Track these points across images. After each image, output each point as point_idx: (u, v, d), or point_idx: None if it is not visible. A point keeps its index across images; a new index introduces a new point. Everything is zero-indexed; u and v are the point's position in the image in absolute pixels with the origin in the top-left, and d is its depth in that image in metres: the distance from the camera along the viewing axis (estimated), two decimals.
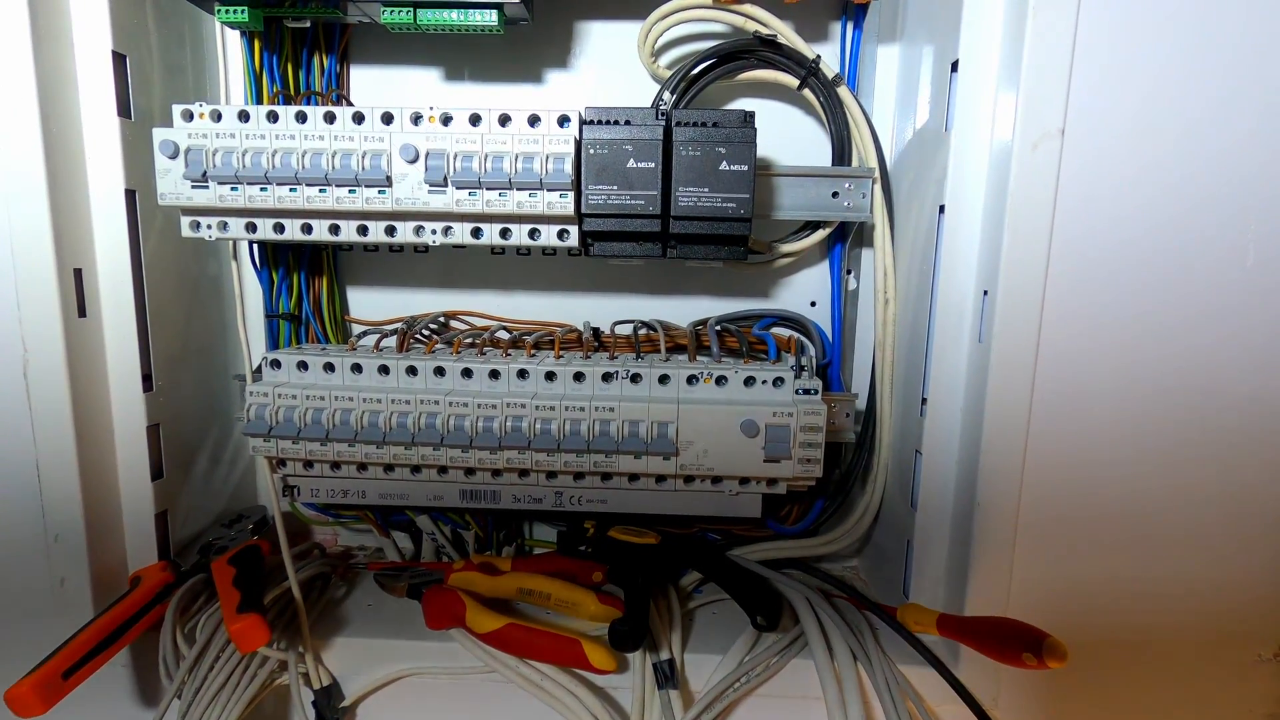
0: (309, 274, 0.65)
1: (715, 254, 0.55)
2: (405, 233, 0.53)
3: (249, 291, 0.65)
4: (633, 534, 0.60)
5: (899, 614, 0.54)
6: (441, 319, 0.67)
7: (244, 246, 0.63)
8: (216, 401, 0.67)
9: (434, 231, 0.53)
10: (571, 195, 0.51)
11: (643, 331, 0.62)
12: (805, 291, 0.67)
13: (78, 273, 0.53)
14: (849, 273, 0.65)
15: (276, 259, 0.63)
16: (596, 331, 0.63)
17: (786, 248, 0.61)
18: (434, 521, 0.65)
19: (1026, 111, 0.46)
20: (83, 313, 0.54)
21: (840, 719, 0.49)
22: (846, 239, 0.64)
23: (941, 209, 0.52)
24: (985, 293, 0.49)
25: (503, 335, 0.63)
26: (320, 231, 0.54)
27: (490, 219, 0.53)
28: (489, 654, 0.52)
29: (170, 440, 0.60)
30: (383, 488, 0.58)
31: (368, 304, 0.69)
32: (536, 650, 0.51)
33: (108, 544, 0.56)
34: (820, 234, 0.60)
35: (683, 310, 0.68)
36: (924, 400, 0.55)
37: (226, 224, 0.54)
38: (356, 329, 0.67)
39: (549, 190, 0.50)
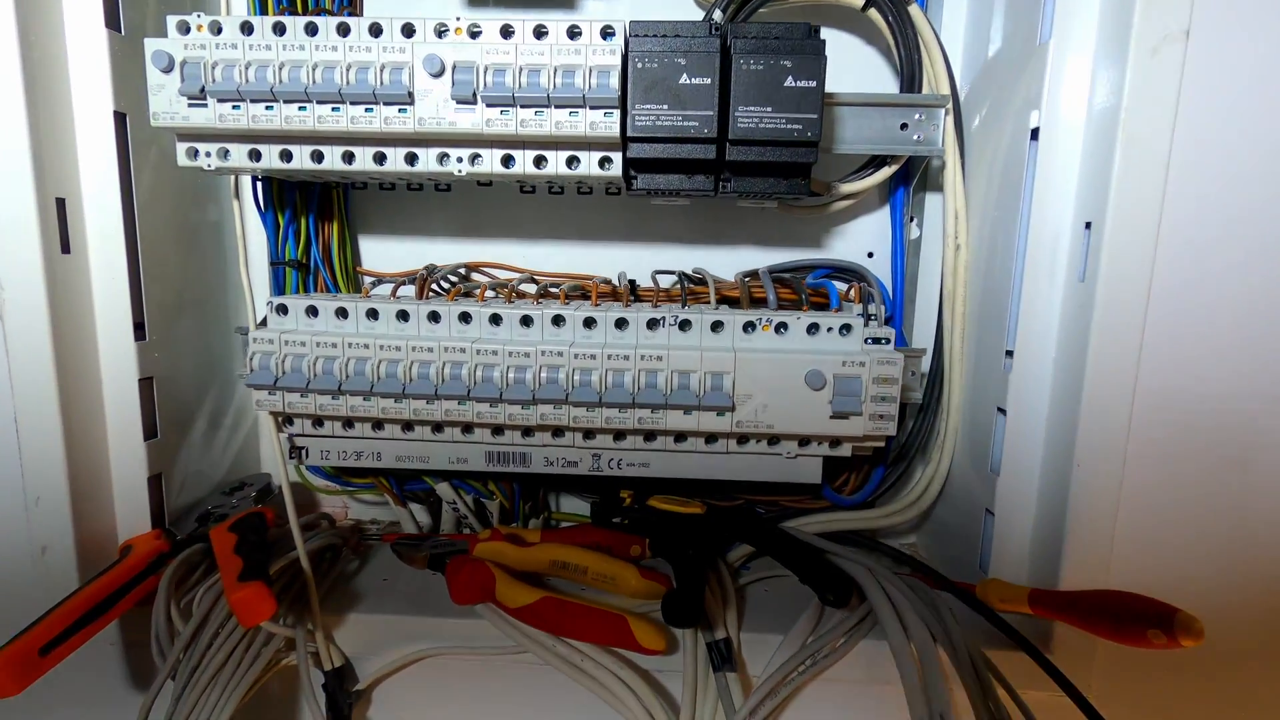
0: (318, 218, 0.59)
1: (774, 188, 0.49)
2: (428, 161, 0.48)
3: (252, 237, 0.59)
4: (676, 503, 0.54)
5: (979, 591, 0.49)
6: (462, 270, 0.61)
7: (247, 186, 0.57)
8: (216, 357, 0.61)
9: (459, 160, 0.47)
10: (617, 114, 0.45)
11: (687, 285, 0.56)
12: (861, 241, 0.61)
13: (60, 203, 0.47)
14: (911, 220, 0.59)
15: (282, 200, 0.58)
16: (633, 284, 0.58)
17: (847, 187, 0.55)
18: (455, 490, 0.59)
19: (1145, 10, 0.40)
20: (66, 248, 0.48)
21: (921, 708, 0.43)
22: (910, 181, 0.58)
23: (1034, 133, 0.46)
24: (1088, 225, 0.44)
25: (530, 289, 0.57)
26: (332, 160, 0.48)
27: (524, 143, 0.47)
28: (522, 631, 0.47)
29: (165, 396, 0.54)
30: (400, 449, 0.53)
31: (381, 254, 0.63)
32: (576, 628, 0.46)
33: (95, 509, 0.50)
34: (886, 171, 0.54)
35: (726, 261, 0.62)
36: (1008, 353, 0.49)
37: (228, 151, 0.48)
38: (370, 280, 0.61)
39: (592, 108, 0.45)
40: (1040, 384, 0.47)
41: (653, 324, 0.49)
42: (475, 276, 0.62)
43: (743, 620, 0.49)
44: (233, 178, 0.55)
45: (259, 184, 0.57)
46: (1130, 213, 0.42)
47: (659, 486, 0.57)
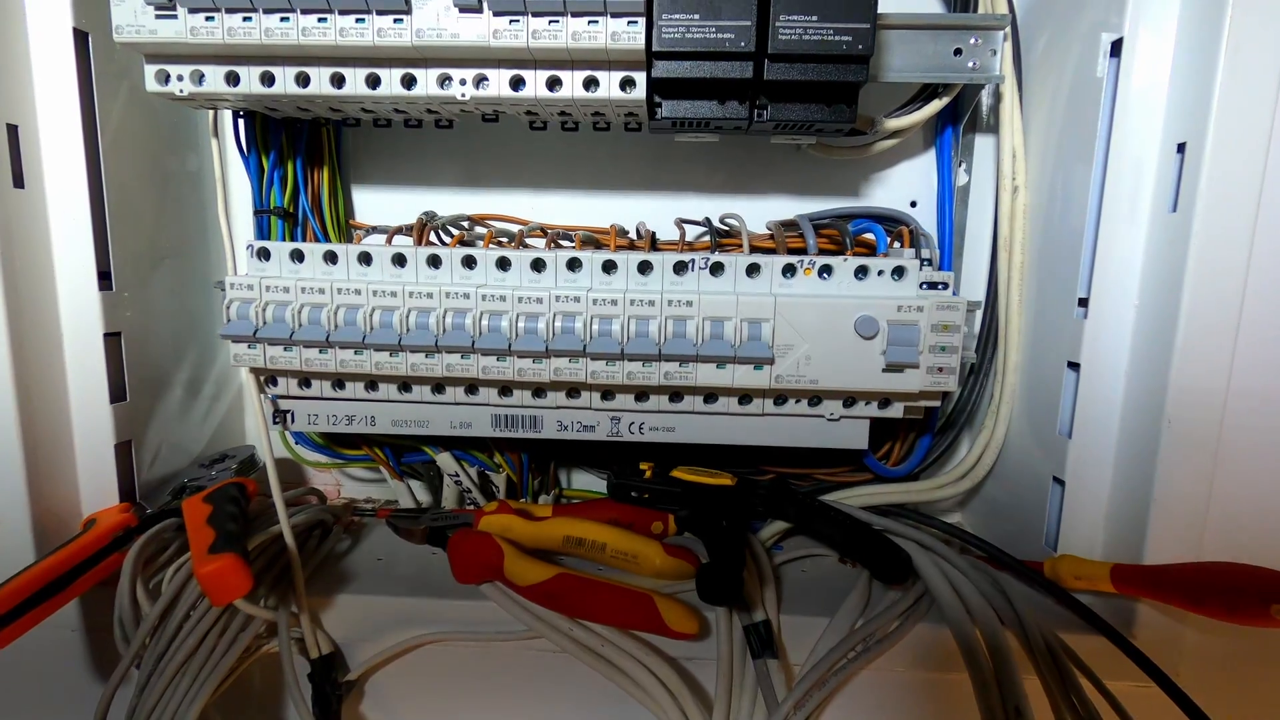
0: (307, 162, 0.53)
1: (816, 115, 0.43)
2: (427, 83, 0.42)
3: (235, 185, 0.54)
4: (704, 474, 0.49)
5: (1048, 569, 0.43)
6: (465, 223, 0.56)
7: (227, 125, 0.52)
8: (196, 316, 0.55)
9: (463, 82, 0.42)
10: (642, 23, 0.39)
11: (716, 237, 0.50)
12: (903, 189, 0.56)
13: (12, 130, 0.42)
14: (960, 164, 0.54)
15: (267, 141, 0.52)
16: (653, 237, 0.52)
17: (894, 123, 0.49)
18: (457, 461, 0.54)
19: None
20: (19, 182, 0.43)
21: (993, 699, 0.37)
22: (959, 121, 0.53)
23: (1115, 47, 0.41)
24: (1180, 147, 0.38)
25: (539, 243, 0.52)
26: (320, 82, 0.42)
27: (536, 62, 0.41)
28: (533, 614, 0.41)
29: (135, 355, 0.48)
30: (397, 412, 0.47)
31: (376, 206, 0.58)
32: (595, 609, 0.40)
33: (54, 478, 0.45)
34: (936, 104, 0.49)
35: (756, 213, 0.56)
36: (1081, 301, 0.43)
37: (202, 75, 0.43)
38: (363, 233, 0.56)
39: (614, 16, 0.39)
40: (1120, 333, 0.42)
41: (680, 268, 0.44)
42: (478, 229, 0.56)
43: (781, 602, 0.43)
44: (211, 115, 0.50)
45: (241, 121, 0.51)
46: (1234, 129, 0.36)
47: (682, 456, 0.52)
